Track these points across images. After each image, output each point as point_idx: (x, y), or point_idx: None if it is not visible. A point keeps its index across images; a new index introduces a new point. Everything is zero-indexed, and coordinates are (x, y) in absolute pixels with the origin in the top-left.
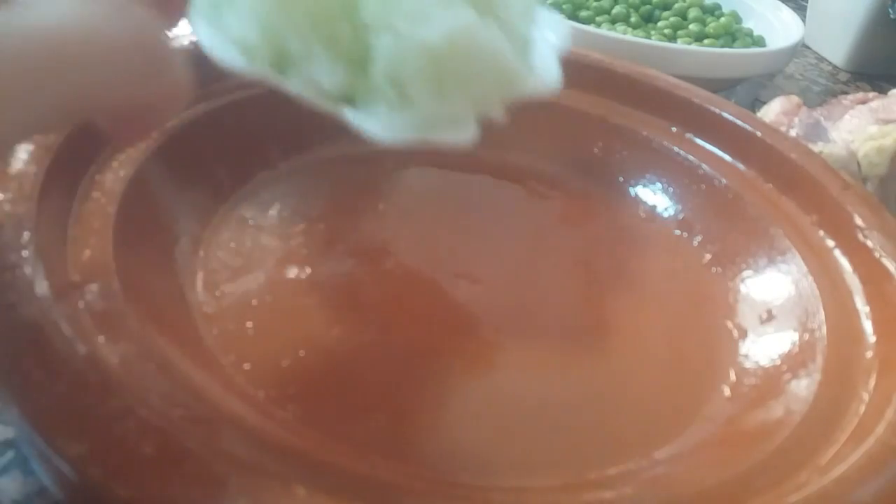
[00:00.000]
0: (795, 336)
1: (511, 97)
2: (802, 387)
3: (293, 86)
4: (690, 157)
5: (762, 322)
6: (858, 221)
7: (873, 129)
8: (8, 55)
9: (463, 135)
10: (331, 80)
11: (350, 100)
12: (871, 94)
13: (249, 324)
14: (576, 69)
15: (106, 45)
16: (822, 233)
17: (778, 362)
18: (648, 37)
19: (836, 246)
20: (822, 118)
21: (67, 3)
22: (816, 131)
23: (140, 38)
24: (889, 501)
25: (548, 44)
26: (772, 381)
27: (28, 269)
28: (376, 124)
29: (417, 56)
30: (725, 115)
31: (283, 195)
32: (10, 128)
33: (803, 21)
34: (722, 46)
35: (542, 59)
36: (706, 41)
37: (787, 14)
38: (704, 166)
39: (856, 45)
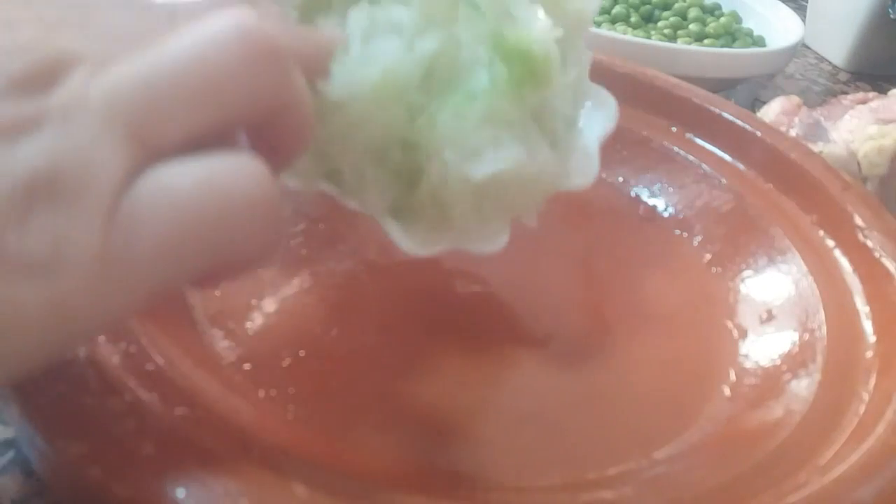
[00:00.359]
0: (795, 336)
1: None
2: (802, 387)
3: (339, 194)
4: (690, 157)
5: (762, 322)
6: (858, 221)
7: (873, 129)
8: (156, 224)
9: (496, 246)
10: (377, 197)
11: (392, 210)
12: (871, 94)
13: (249, 324)
14: None
15: (240, 205)
16: (822, 233)
17: (778, 362)
18: (648, 37)
19: (836, 246)
20: (822, 118)
21: (196, 161)
22: (816, 131)
23: (263, 194)
24: (889, 501)
25: (592, 130)
26: (772, 381)
27: None
28: (413, 239)
29: (462, 187)
30: (725, 115)
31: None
32: (142, 296)
33: (803, 21)
34: (722, 46)
35: (583, 152)
36: (706, 41)
37: (787, 14)
38: (704, 166)
39: (856, 45)
